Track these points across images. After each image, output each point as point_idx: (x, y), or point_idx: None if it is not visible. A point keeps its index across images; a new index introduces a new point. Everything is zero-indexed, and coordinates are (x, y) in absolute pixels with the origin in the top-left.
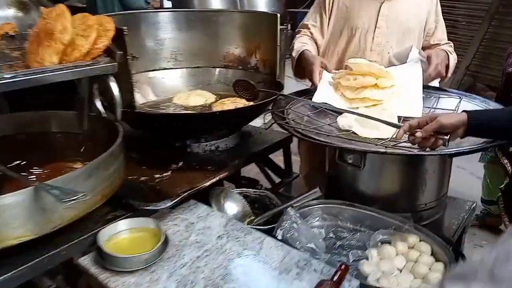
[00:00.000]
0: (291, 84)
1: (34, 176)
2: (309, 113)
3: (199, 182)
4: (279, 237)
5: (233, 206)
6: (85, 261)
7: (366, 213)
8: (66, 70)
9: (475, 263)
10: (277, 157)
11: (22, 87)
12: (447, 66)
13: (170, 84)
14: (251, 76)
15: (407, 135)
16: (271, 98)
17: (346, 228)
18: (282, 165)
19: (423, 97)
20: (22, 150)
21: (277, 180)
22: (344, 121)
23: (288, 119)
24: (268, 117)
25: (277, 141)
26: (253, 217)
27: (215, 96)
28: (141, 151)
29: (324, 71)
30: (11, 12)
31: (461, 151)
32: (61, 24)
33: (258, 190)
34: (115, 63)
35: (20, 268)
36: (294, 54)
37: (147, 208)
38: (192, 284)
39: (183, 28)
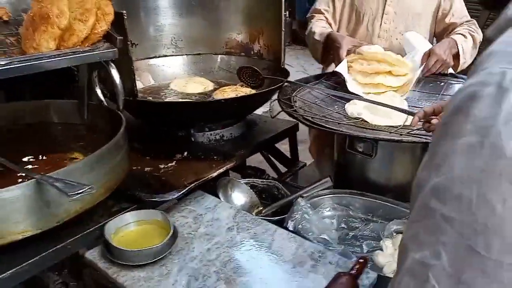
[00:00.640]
0: (291, 72)
1: (32, 168)
2: (317, 100)
3: (205, 173)
4: (291, 228)
5: (240, 197)
6: (92, 255)
7: (378, 203)
8: (64, 56)
9: None
10: (281, 146)
11: (18, 74)
12: (458, 54)
13: (170, 72)
14: (255, 63)
15: (422, 122)
16: (277, 85)
17: (358, 218)
18: (286, 154)
19: (431, 85)
20: (19, 141)
21: (282, 169)
22: (353, 108)
23: (296, 106)
24: (275, 105)
25: (283, 129)
26: (261, 208)
27: (214, 84)
28: (143, 141)
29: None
30: None
31: None
32: (58, 8)
33: (265, 180)
34: (115, 49)
35: (25, 264)
36: (318, 37)
37: (154, 199)
38: (204, 277)
39: (183, 13)
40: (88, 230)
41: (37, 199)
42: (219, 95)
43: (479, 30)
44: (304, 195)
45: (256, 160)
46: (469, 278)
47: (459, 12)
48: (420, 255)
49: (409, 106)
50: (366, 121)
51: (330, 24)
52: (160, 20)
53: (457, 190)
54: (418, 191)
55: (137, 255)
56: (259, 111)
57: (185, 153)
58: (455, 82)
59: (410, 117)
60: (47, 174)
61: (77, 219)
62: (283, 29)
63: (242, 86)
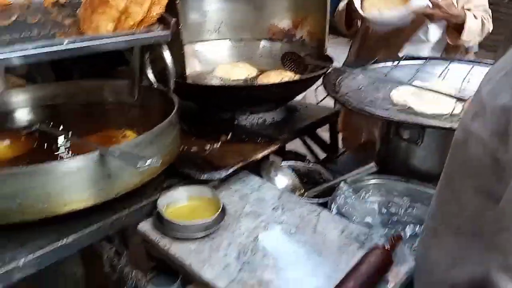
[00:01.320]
0: None
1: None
2: (361, 86)
3: (250, 155)
4: (334, 212)
5: (283, 179)
6: (145, 227)
7: (422, 190)
8: (122, 38)
9: None
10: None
11: (79, 54)
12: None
13: (213, 57)
14: (297, 49)
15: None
16: (323, 71)
17: (401, 204)
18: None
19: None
20: (75, 118)
21: (320, 155)
22: (399, 95)
23: (340, 92)
24: (318, 91)
25: (324, 116)
26: (302, 191)
27: (257, 70)
28: (189, 122)
29: None
30: None
31: None
32: None
33: (307, 164)
34: (169, 32)
35: (85, 232)
36: (341, 8)
37: (203, 178)
38: (252, 252)
39: None
40: (143, 203)
41: (99, 171)
42: (264, 80)
43: (491, 22)
44: (347, 179)
45: (291, 146)
46: None
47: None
48: None
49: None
50: (412, 108)
51: None
52: (205, 5)
53: None
54: None
55: (188, 228)
56: (299, 98)
57: (229, 136)
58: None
59: (459, 105)
60: (112, 147)
61: (132, 192)
62: (327, 15)
63: (285, 71)
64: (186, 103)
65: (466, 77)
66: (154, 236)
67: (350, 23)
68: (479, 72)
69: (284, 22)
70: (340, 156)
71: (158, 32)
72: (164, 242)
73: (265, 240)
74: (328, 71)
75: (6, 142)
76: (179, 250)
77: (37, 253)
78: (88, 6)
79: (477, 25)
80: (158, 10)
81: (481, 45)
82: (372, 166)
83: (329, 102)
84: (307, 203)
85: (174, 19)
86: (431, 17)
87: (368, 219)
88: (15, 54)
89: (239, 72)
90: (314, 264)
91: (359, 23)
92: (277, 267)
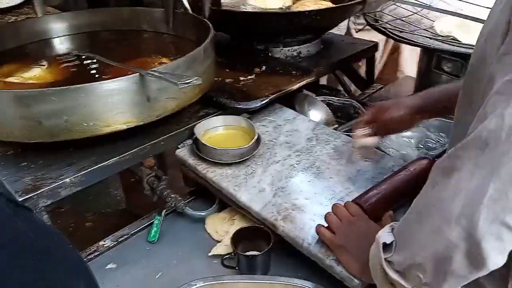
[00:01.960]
0: None
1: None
2: (403, 17)
3: (285, 86)
4: None
5: (317, 114)
6: (182, 152)
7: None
8: None
9: None
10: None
11: None
12: None
13: None
14: None
15: None
16: None
17: (437, 139)
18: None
19: None
20: (108, 46)
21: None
22: (443, 25)
23: (382, 21)
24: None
25: (362, 49)
26: (336, 126)
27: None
28: (223, 54)
29: None
30: None
31: None
32: None
33: (342, 98)
34: None
35: (126, 154)
36: None
37: (239, 106)
38: (286, 179)
39: None
40: (180, 129)
41: (139, 92)
42: (300, 8)
43: None
44: None
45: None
46: None
47: None
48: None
49: None
50: (456, 39)
51: None
52: None
53: None
54: None
55: (225, 154)
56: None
57: (263, 67)
58: None
59: None
60: (152, 69)
61: (170, 119)
62: None
63: (322, 0)
64: (220, 36)
65: None
66: (192, 160)
67: None
68: None
69: None
70: (376, 92)
71: None
72: (202, 167)
73: (298, 168)
74: None
75: (46, 66)
76: (216, 174)
77: (82, 171)
78: None
79: None
80: None
81: None
82: None
83: (366, 35)
84: (342, 135)
85: None
86: None
87: (404, 152)
88: None
89: (274, 1)
90: (349, 189)
91: None
92: (310, 193)
